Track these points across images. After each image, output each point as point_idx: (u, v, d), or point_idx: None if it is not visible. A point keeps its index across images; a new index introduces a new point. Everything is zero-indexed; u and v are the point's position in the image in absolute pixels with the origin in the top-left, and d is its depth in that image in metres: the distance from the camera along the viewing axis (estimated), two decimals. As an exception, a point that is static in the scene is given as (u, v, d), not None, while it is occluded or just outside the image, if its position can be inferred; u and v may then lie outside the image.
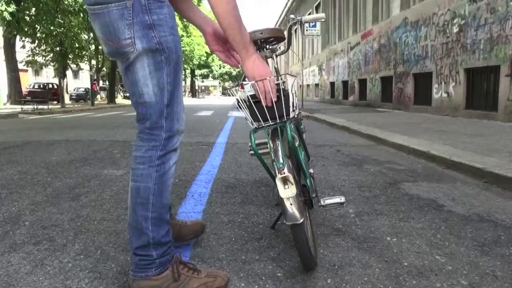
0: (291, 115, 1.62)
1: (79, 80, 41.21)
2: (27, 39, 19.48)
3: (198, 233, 1.95)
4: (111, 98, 26.49)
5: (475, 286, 1.55)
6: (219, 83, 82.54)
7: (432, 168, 3.88)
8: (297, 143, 1.70)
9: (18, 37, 19.86)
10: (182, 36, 40.55)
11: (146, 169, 1.37)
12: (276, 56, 1.97)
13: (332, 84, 20.69)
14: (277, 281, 1.57)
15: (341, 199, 1.76)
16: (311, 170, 2.10)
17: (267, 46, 1.94)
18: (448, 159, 3.88)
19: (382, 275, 1.63)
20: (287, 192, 1.46)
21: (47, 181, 3.28)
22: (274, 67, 2.13)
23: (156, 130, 1.38)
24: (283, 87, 1.60)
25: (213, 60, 63.53)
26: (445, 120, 8.36)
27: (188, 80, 65.80)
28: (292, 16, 2.02)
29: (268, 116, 1.58)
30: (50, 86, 27.29)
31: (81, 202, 2.65)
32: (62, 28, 17.99)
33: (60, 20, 17.54)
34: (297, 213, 1.45)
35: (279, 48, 2.00)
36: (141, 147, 1.40)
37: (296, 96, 1.72)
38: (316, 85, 24.74)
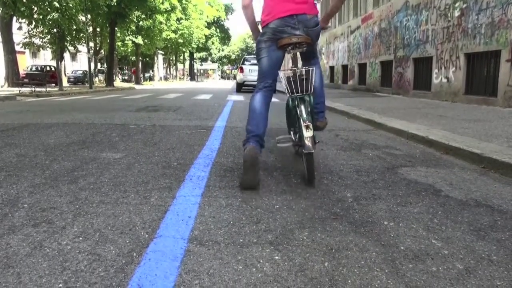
0: (310, 91, 2.79)
1: (77, 63, 40.89)
2: (23, 21, 19.24)
3: None
4: (109, 81, 26.31)
5: (470, 270, 1.56)
6: (218, 67, 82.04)
7: (430, 153, 3.88)
8: (309, 108, 2.77)
9: (14, 18, 19.62)
10: (181, 18, 40.13)
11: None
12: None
13: (332, 68, 20.59)
14: (274, 265, 1.59)
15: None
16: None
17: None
18: (446, 144, 3.88)
19: (378, 259, 1.64)
20: (308, 133, 2.55)
21: (46, 163, 3.28)
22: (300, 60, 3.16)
23: None
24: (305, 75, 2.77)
25: (212, 43, 63.04)
26: (444, 105, 8.35)
27: (187, 63, 65.37)
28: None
29: (298, 90, 2.77)
30: (48, 68, 27.09)
31: (80, 185, 2.65)
32: (59, 10, 17.74)
33: (56, 4, 17.27)
34: (311, 146, 2.53)
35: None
36: None
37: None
38: (316, 69, 24.58)
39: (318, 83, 2.99)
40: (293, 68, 2.80)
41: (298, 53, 2.93)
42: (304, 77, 2.74)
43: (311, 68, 2.76)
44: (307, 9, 2.81)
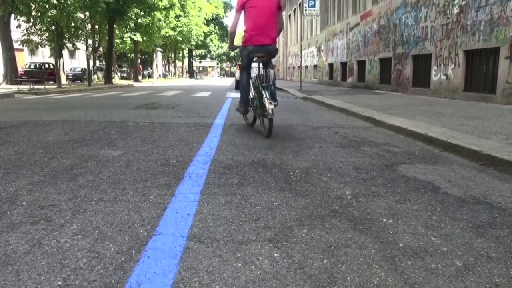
0: (269, 83, 4.56)
1: (75, 60, 40.77)
2: (22, 18, 19.17)
3: None
4: (108, 78, 26.25)
5: (469, 267, 1.56)
6: (217, 64, 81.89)
7: (429, 151, 3.89)
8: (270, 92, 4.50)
9: (12, 15, 19.54)
10: (180, 16, 40.04)
11: None
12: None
13: (331, 65, 20.56)
14: (273, 262, 1.59)
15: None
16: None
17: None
18: (445, 142, 3.89)
19: (377, 256, 1.65)
20: (271, 106, 4.22)
21: (44, 161, 3.27)
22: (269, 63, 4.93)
23: None
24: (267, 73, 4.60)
25: (211, 40, 62.87)
26: (443, 103, 8.35)
27: (186, 60, 65.23)
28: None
29: (262, 82, 4.55)
30: (46, 66, 26.99)
31: (79, 183, 2.65)
32: (57, 8, 17.67)
33: (55, 1, 17.20)
34: (272, 114, 4.23)
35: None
36: None
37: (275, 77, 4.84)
38: (315, 66, 24.57)
39: (271, 80, 4.67)
40: (260, 69, 4.70)
41: (262, 61, 4.81)
42: (265, 75, 4.57)
43: (268, 70, 4.63)
44: (271, 42, 4.79)
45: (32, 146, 3.90)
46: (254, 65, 4.84)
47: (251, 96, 5.07)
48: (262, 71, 4.61)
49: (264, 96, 4.42)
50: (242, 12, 4.79)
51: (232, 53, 79.36)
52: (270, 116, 4.25)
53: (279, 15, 4.84)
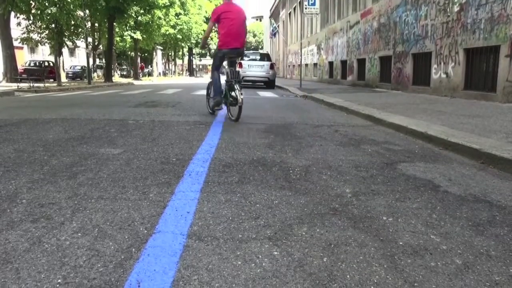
0: (237, 79, 5.78)
1: (75, 58, 40.75)
2: (22, 16, 19.14)
3: None
4: (108, 76, 26.22)
5: (469, 265, 1.56)
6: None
7: (429, 149, 3.88)
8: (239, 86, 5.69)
9: (12, 14, 19.51)
10: (180, 14, 39.97)
11: None
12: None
13: (331, 63, 20.54)
14: (273, 260, 1.59)
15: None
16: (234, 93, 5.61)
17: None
18: (445, 140, 3.88)
19: (377, 254, 1.65)
20: (242, 96, 5.44)
21: (44, 159, 3.27)
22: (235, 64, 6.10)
23: None
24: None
25: (211, 38, 62.78)
26: (443, 101, 8.34)
27: (186, 58, 65.15)
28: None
29: (232, 77, 5.77)
30: (46, 64, 26.97)
31: (79, 181, 2.65)
32: (57, 5, 17.65)
33: None
34: (242, 101, 5.47)
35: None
36: None
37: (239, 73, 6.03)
38: (315, 64, 24.55)
39: (237, 77, 5.79)
40: (230, 68, 5.90)
41: (231, 61, 5.99)
42: (235, 72, 5.81)
43: (236, 68, 5.96)
44: (241, 46, 5.89)
45: (32, 144, 3.90)
46: (225, 69, 6.21)
47: (224, 88, 6.01)
48: (232, 69, 5.83)
49: (236, 88, 5.54)
50: (217, 22, 5.90)
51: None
52: (240, 104, 5.47)
53: (245, 25, 6.07)
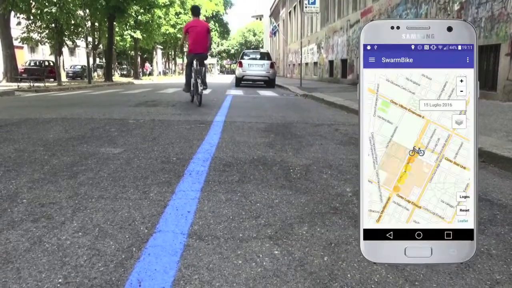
0: (203, 76, 8.23)
1: (75, 58, 40.74)
2: (22, 16, 19.13)
3: None
4: (108, 75, 26.21)
5: (470, 264, 1.56)
6: (217, 61, 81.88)
7: (429, 148, 3.88)
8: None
9: (12, 13, 19.50)
10: (180, 13, 39.95)
11: None
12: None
13: (331, 62, 20.53)
14: (274, 259, 1.59)
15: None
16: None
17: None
18: (446, 139, 3.87)
19: (378, 253, 1.64)
20: (201, 88, 7.90)
21: (45, 159, 3.27)
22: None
23: None
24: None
25: (211, 37, 62.77)
26: (444, 100, 8.32)
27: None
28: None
29: (199, 74, 8.13)
30: (46, 63, 26.96)
31: (79, 180, 2.65)
32: (57, 5, 17.64)
33: None
34: (201, 92, 7.99)
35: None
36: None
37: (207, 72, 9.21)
38: (315, 63, 24.54)
39: (203, 73, 7.87)
40: (198, 67, 7.95)
41: (198, 62, 8.03)
42: (199, 70, 7.89)
43: (202, 67, 8.05)
44: (204, 51, 8.14)
45: (32, 144, 3.90)
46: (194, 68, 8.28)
47: (193, 82, 8.11)
48: (198, 67, 7.96)
49: (199, 82, 7.82)
50: (187, 34, 8.15)
51: (232, 50, 79.48)
52: (201, 93, 7.88)
53: (209, 36, 8.26)
